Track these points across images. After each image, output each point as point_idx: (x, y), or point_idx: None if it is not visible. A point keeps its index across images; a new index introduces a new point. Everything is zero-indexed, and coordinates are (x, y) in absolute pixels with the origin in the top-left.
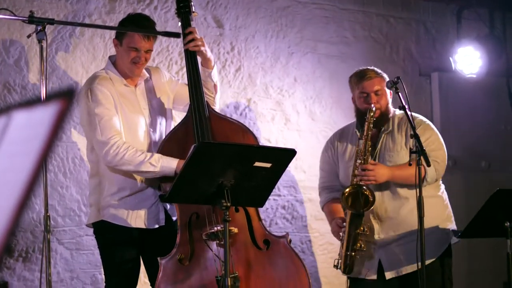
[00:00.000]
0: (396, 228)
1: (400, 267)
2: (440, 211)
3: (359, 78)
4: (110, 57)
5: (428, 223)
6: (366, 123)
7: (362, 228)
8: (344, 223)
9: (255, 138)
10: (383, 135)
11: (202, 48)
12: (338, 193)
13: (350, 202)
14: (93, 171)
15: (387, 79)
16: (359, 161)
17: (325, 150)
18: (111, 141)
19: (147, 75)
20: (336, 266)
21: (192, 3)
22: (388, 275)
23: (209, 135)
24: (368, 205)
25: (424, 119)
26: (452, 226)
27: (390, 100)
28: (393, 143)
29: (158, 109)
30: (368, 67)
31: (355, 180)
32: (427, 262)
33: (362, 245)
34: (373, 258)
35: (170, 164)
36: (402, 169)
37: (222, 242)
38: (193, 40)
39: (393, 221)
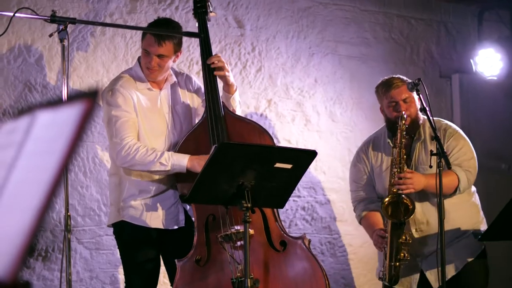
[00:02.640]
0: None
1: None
2: (474, 214)
3: (386, 88)
4: (138, 58)
5: (462, 226)
6: (399, 130)
7: (404, 238)
8: (386, 234)
9: (272, 138)
10: (416, 145)
11: (227, 73)
12: (375, 204)
13: (390, 211)
14: (112, 169)
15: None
16: (395, 169)
17: (357, 162)
18: (123, 142)
19: (175, 79)
20: (381, 278)
21: (209, 3)
22: (435, 284)
23: (224, 135)
24: (408, 213)
25: (457, 128)
26: (485, 228)
27: (418, 107)
28: (426, 155)
29: (181, 114)
30: (393, 76)
31: (392, 189)
32: (462, 265)
33: (406, 255)
34: (415, 270)
35: (180, 161)
36: (435, 179)
37: (236, 244)
38: (219, 66)
39: (434, 232)
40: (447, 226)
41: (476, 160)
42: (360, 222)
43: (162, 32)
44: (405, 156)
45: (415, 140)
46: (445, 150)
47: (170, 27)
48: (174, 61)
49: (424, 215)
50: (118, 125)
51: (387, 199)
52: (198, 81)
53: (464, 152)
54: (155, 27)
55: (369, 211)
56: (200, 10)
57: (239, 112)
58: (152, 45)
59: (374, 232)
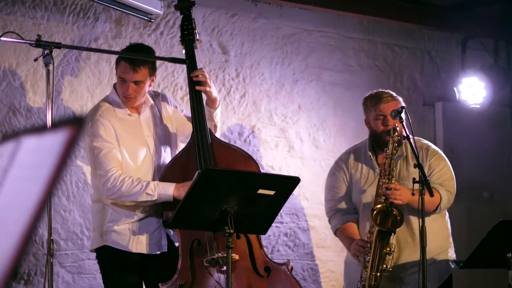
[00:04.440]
0: (413, 256)
1: None
2: (444, 238)
3: (376, 100)
4: (114, 84)
5: (433, 251)
6: (391, 142)
7: (388, 248)
8: (368, 244)
9: (257, 165)
10: (398, 161)
11: (208, 89)
12: (352, 216)
13: (379, 220)
14: (95, 196)
15: (402, 102)
16: (384, 180)
17: (337, 171)
18: (108, 174)
19: (152, 102)
20: None
21: (196, 31)
22: None
23: (211, 161)
24: (397, 224)
25: (437, 148)
26: (452, 254)
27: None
28: (407, 172)
29: (162, 136)
30: (383, 90)
31: (379, 199)
32: None
33: (388, 266)
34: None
35: (166, 191)
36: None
37: (222, 269)
38: (201, 81)
39: (411, 248)
40: (419, 247)
41: (455, 183)
42: (335, 233)
43: (147, 58)
44: (394, 168)
45: (397, 156)
46: (427, 169)
47: (145, 52)
48: (150, 86)
49: (406, 230)
50: (101, 156)
51: (378, 207)
52: (169, 97)
53: (445, 172)
54: (128, 52)
55: (346, 222)
56: (187, 37)
57: (219, 127)
58: (128, 72)
59: (353, 242)
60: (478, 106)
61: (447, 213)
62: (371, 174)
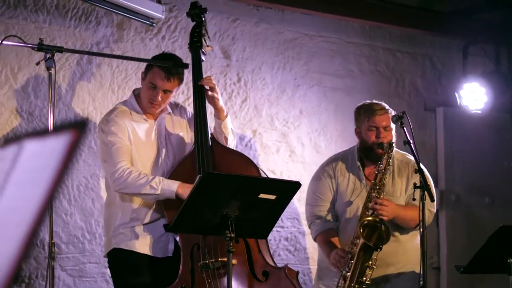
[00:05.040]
0: (386, 269)
1: None
2: (417, 254)
3: (370, 112)
4: (134, 90)
5: (408, 261)
6: (386, 157)
7: (370, 262)
8: (349, 255)
9: (258, 170)
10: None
11: (216, 95)
12: (333, 223)
13: (366, 233)
14: (107, 200)
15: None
16: (374, 194)
17: (323, 177)
18: (117, 165)
19: (169, 110)
20: None
21: (206, 38)
22: None
23: (210, 166)
24: (383, 240)
25: (422, 166)
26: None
27: (394, 139)
28: (393, 187)
29: (176, 144)
30: (377, 102)
31: (366, 212)
32: None
33: (367, 279)
34: None
35: (170, 187)
36: (405, 210)
37: (215, 273)
38: (210, 87)
39: (386, 262)
40: (401, 264)
41: (436, 202)
42: (315, 239)
43: (154, 63)
44: (385, 182)
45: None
46: (410, 186)
47: (177, 62)
48: (173, 96)
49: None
50: (113, 150)
51: (367, 220)
52: (186, 106)
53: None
54: (162, 61)
55: (327, 228)
56: (195, 44)
57: (232, 139)
58: (161, 80)
59: (334, 251)
60: (479, 112)
61: (418, 235)
62: (358, 184)
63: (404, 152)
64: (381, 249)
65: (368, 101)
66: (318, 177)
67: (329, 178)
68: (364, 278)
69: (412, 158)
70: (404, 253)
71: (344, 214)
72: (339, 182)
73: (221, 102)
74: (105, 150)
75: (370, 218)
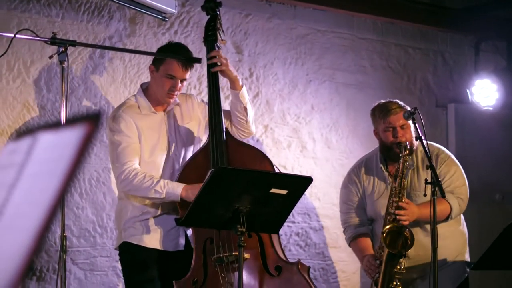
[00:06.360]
0: (422, 265)
1: None
2: (461, 243)
3: (385, 112)
4: (141, 84)
5: (449, 254)
6: (402, 161)
7: (398, 267)
8: (377, 261)
9: (272, 165)
10: (409, 172)
11: (225, 68)
12: (366, 228)
13: (389, 240)
14: (119, 194)
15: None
16: (394, 199)
17: (350, 184)
18: (124, 167)
19: (178, 101)
20: None
21: (220, 32)
22: None
23: (224, 160)
24: (407, 246)
25: (449, 153)
26: (468, 258)
27: (413, 134)
28: (418, 181)
29: (186, 136)
30: (391, 100)
31: (388, 217)
32: None
33: (398, 283)
34: None
35: (175, 190)
36: (428, 207)
37: (229, 267)
38: (215, 63)
39: (421, 258)
40: (441, 256)
41: (468, 186)
42: (349, 244)
43: (162, 56)
44: (405, 186)
45: (408, 167)
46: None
47: (188, 52)
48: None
49: (416, 242)
50: (120, 150)
51: (388, 228)
52: (199, 97)
53: (456, 178)
54: (170, 52)
55: (360, 234)
56: (210, 38)
57: (250, 109)
58: (178, 70)
59: (365, 257)
60: (491, 109)
61: (462, 218)
62: (383, 186)
63: (430, 142)
64: (405, 255)
65: (382, 100)
66: (345, 185)
67: (355, 184)
68: (394, 283)
69: (437, 145)
70: (441, 247)
71: (374, 216)
72: (365, 186)
73: (234, 73)
74: (111, 150)
75: (389, 226)
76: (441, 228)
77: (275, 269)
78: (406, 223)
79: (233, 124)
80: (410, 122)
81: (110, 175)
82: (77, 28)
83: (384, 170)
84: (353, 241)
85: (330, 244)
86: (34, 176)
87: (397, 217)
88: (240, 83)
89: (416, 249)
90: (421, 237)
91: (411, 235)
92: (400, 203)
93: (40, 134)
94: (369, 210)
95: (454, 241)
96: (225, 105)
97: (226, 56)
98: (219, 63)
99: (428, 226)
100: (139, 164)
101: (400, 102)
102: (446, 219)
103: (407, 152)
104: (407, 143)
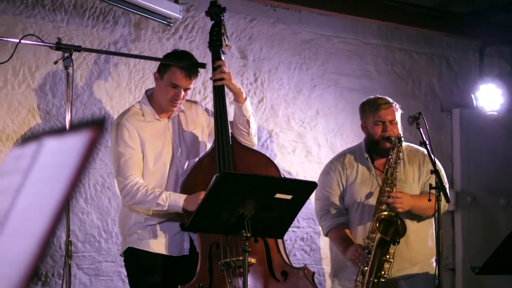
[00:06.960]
0: (407, 261)
1: None
2: (432, 248)
3: (376, 106)
4: (146, 91)
5: (420, 252)
6: (396, 151)
7: (388, 256)
8: (366, 250)
9: (278, 170)
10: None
11: (227, 82)
12: (344, 217)
13: (382, 228)
14: (122, 201)
15: (399, 109)
16: (387, 188)
17: (332, 171)
18: (127, 181)
19: (182, 107)
20: None
21: (225, 37)
22: None
23: (231, 165)
24: (399, 234)
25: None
26: (434, 262)
27: (401, 130)
28: (405, 175)
29: (190, 142)
30: (381, 96)
31: (380, 207)
32: None
33: (386, 273)
34: None
35: (177, 202)
36: (421, 200)
37: (236, 272)
38: (219, 76)
39: (407, 253)
40: (420, 255)
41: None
42: (326, 234)
43: (165, 61)
44: (397, 176)
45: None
46: (424, 174)
47: (192, 59)
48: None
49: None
50: (122, 163)
51: (383, 214)
52: (203, 104)
53: (442, 177)
54: (175, 59)
55: (339, 223)
56: (215, 43)
57: (253, 121)
58: (182, 79)
59: (351, 247)
60: (495, 113)
61: (433, 223)
62: (367, 175)
63: (409, 143)
64: (398, 242)
65: (372, 96)
66: (326, 172)
67: (337, 172)
68: (383, 272)
69: (418, 147)
70: (409, 243)
71: (354, 206)
72: (348, 175)
73: (238, 85)
74: (114, 160)
75: (385, 213)
76: (414, 230)
77: (281, 274)
78: (401, 210)
79: (235, 135)
80: (397, 115)
81: (115, 180)
82: (82, 33)
83: (369, 160)
84: (333, 229)
85: None
86: (39, 181)
87: (392, 204)
88: (244, 96)
89: (405, 245)
90: (410, 229)
91: (402, 223)
92: (392, 193)
93: (45, 140)
94: (347, 198)
95: (428, 240)
96: (229, 110)
97: (230, 63)
98: (222, 78)
99: (409, 224)
100: (144, 173)
101: (389, 99)
102: (432, 215)
103: (401, 143)
104: (401, 135)
